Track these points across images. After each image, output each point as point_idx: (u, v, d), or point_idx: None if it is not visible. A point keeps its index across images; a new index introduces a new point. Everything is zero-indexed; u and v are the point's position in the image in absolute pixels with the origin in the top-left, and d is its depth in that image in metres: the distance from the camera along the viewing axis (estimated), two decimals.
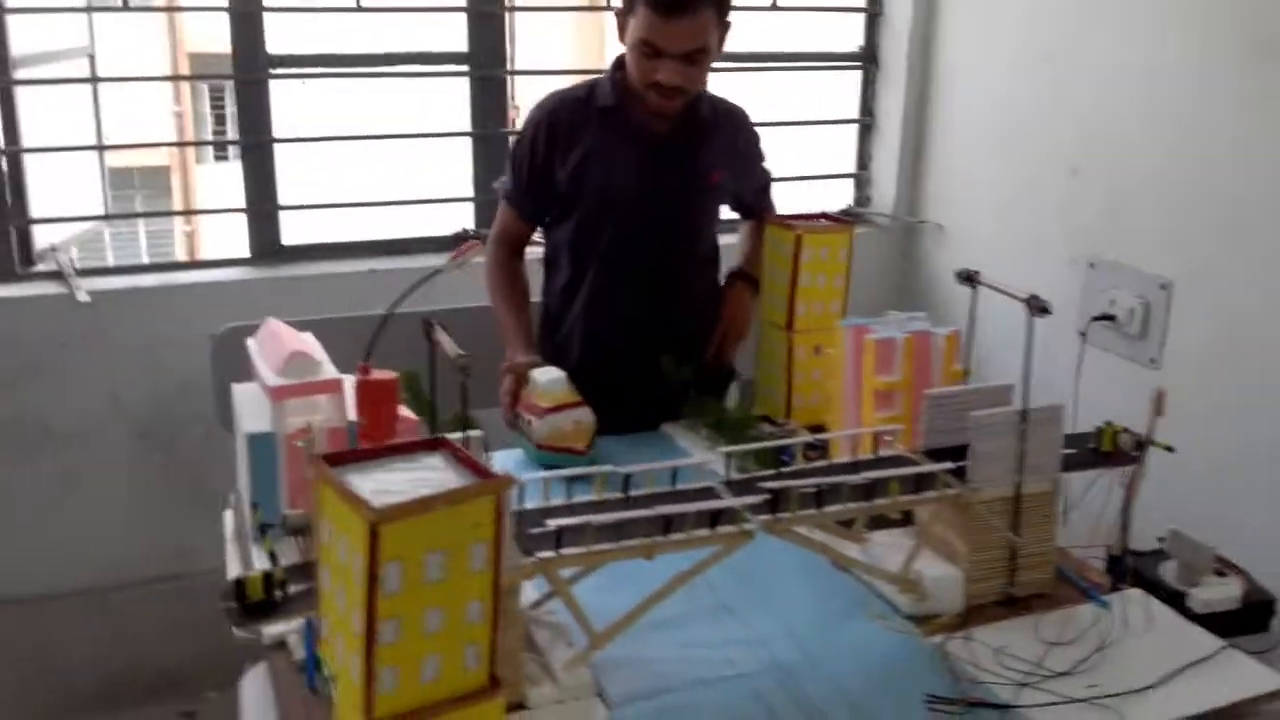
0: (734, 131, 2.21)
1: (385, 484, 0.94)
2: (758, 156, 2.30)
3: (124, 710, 2.70)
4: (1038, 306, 1.37)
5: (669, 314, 2.16)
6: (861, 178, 3.28)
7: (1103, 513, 1.54)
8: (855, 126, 3.24)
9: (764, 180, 2.34)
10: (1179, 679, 1.33)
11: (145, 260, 2.83)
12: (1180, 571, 1.51)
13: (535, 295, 2.26)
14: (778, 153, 2.39)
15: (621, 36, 2.00)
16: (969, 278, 1.51)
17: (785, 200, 2.40)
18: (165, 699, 2.70)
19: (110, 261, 2.82)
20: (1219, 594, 1.47)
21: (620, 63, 2.07)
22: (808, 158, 3.26)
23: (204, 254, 2.48)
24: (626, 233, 2.12)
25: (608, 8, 2.60)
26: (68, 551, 2.59)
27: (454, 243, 2.70)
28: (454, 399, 1.47)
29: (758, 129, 2.28)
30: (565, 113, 2.11)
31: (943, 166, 3.10)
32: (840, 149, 3.27)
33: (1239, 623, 1.47)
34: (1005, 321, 2.77)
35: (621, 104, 2.08)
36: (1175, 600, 1.48)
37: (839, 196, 3.29)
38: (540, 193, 2.15)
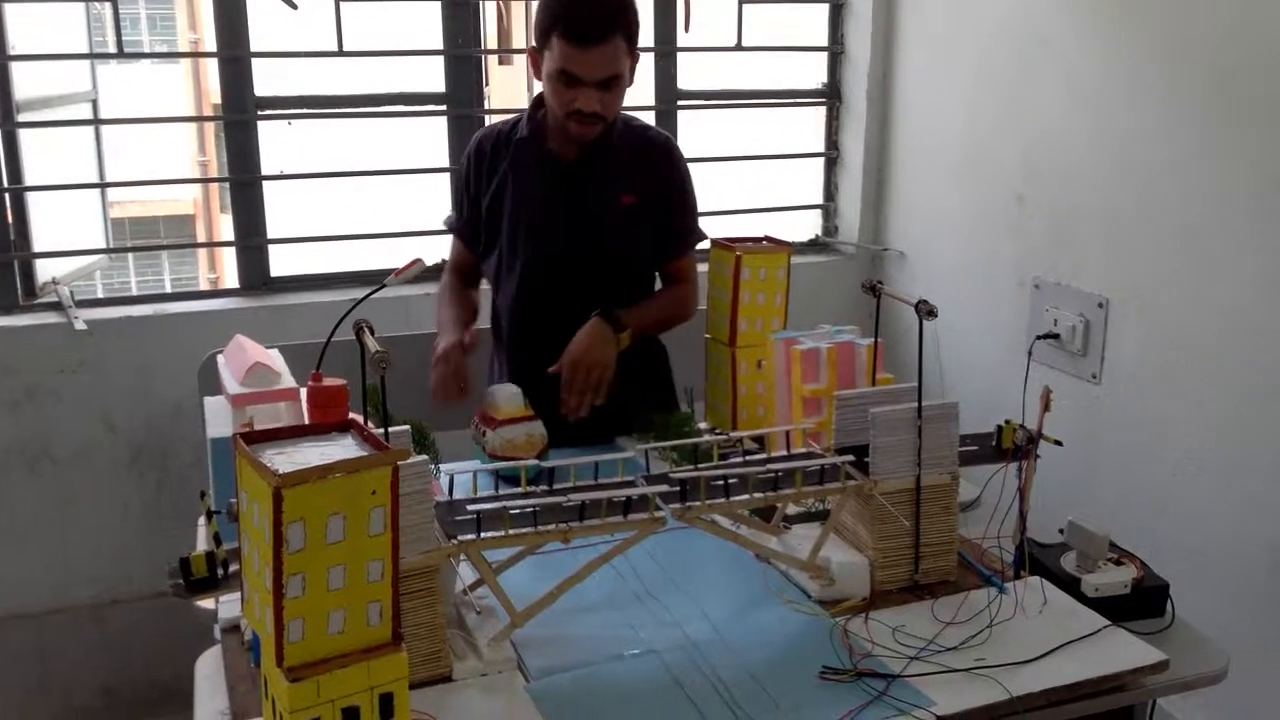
0: (654, 161, 2.23)
1: (298, 458, 1.07)
2: (683, 202, 2.27)
3: None
4: (926, 310, 1.48)
5: None
6: (828, 208, 3.41)
7: (1012, 509, 1.64)
8: (821, 160, 3.38)
9: (686, 233, 2.29)
10: (1060, 653, 1.42)
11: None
12: (1078, 560, 1.61)
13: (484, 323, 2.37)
14: (749, 186, 2.49)
15: (537, 73, 2.11)
16: (872, 288, 1.63)
17: (758, 230, 2.39)
18: (160, 712, 2.80)
19: None
20: (1109, 579, 1.55)
21: (539, 101, 2.18)
22: (778, 190, 3.39)
23: None
24: (540, 259, 2.20)
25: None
26: (67, 568, 2.72)
27: (432, 272, 2.84)
28: (409, 411, 1.61)
29: (718, 171, 2.34)
30: (488, 144, 2.25)
31: (904, 196, 3.22)
32: (809, 181, 3.41)
33: (1133, 607, 1.55)
34: (964, 341, 2.89)
35: (535, 136, 2.19)
36: (1070, 586, 1.57)
37: (808, 226, 3.42)
38: (473, 220, 2.28)
